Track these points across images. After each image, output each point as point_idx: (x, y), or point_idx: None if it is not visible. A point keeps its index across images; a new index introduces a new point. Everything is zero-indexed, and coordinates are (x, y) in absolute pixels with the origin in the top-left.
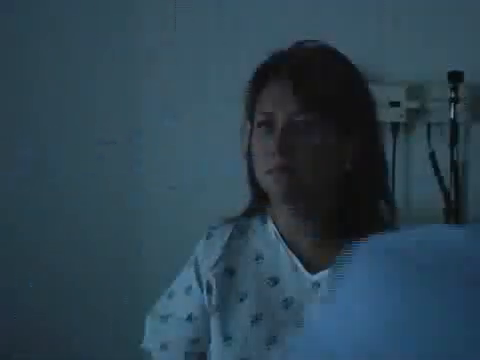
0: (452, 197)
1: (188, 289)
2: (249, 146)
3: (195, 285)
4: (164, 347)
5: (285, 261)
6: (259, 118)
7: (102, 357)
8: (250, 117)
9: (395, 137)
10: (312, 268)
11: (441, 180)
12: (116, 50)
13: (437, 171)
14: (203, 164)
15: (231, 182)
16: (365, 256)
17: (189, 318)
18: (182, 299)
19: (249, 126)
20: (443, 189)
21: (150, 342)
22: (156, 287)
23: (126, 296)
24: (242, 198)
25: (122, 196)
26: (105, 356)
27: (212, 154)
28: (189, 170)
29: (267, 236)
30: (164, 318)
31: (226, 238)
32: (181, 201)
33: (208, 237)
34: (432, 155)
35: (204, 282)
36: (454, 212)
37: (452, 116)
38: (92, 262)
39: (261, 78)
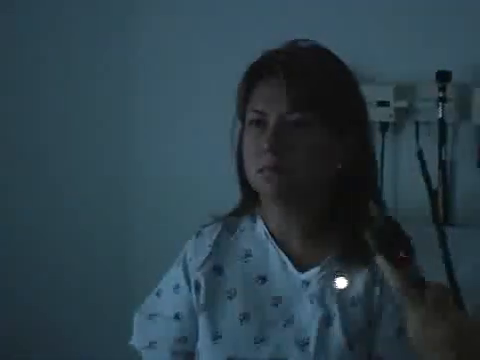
0: (440, 196)
1: (176, 287)
2: (239, 145)
3: (183, 283)
4: (151, 346)
5: (274, 259)
6: (250, 117)
7: (102, 357)
8: (241, 116)
9: (384, 136)
10: (301, 267)
11: (428, 179)
12: (115, 50)
13: (424, 170)
14: (203, 163)
15: (231, 181)
16: None
17: (177, 317)
18: (170, 297)
19: (240, 125)
20: (429, 188)
21: (138, 340)
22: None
23: (126, 296)
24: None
25: (121, 196)
26: (105, 356)
27: (212, 154)
28: (190, 169)
29: (256, 235)
30: (152, 316)
31: (215, 237)
32: (181, 201)
33: (197, 236)
34: (420, 154)
35: (192, 281)
36: (443, 212)
37: (440, 115)
38: (92, 262)
39: (253, 77)
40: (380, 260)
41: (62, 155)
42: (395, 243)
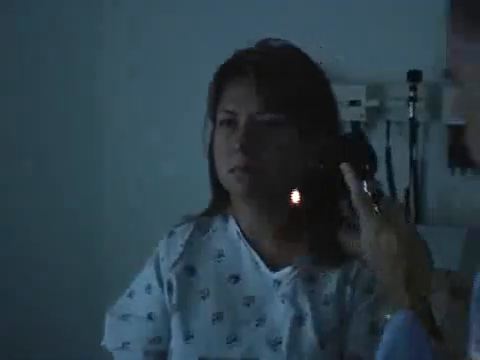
0: (411, 195)
1: (148, 288)
2: (211, 145)
3: (155, 283)
4: (124, 347)
5: (246, 259)
6: (221, 117)
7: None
8: (212, 116)
9: None
10: (273, 266)
11: (391, 176)
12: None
13: (389, 168)
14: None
15: None
16: None
17: (149, 317)
18: (142, 298)
19: (211, 125)
20: (391, 187)
21: (110, 341)
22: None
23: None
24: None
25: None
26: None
27: None
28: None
29: (229, 234)
30: (124, 317)
31: (187, 236)
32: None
33: (170, 235)
34: (388, 151)
35: (165, 281)
36: (414, 211)
37: (411, 115)
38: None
39: (224, 76)
40: (346, 169)
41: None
42: (361, 155)
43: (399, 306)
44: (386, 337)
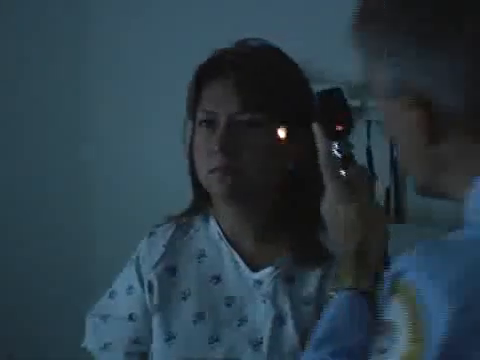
0: (392, 194)
1: (129, 288)
2: (191, 145)
3: (136, 284)
4: (105, 347)
5: (227, 259)
6: (201, 117)
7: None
8: (192, 116)
9: None
10: (254, 266)
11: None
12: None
13: (371, 167)
14: None
15: None
16: None
17: (130, 318)
18: (123, 298)
19: (191, 125)
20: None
21: (91, 342)
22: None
23: None
24: None
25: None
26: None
27: None
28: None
29: (210, 235)
30: (105, 318)
31: (168, 236)
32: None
33: (150, 236)
34: (368, 151)
35: (145, 281)
36: (394, 210)
37: None
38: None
39: (203, 76)
40: (317, 128)
41: (50, 156)
42: (335, 114)
43: (345, 281)
44: (327, 311)
